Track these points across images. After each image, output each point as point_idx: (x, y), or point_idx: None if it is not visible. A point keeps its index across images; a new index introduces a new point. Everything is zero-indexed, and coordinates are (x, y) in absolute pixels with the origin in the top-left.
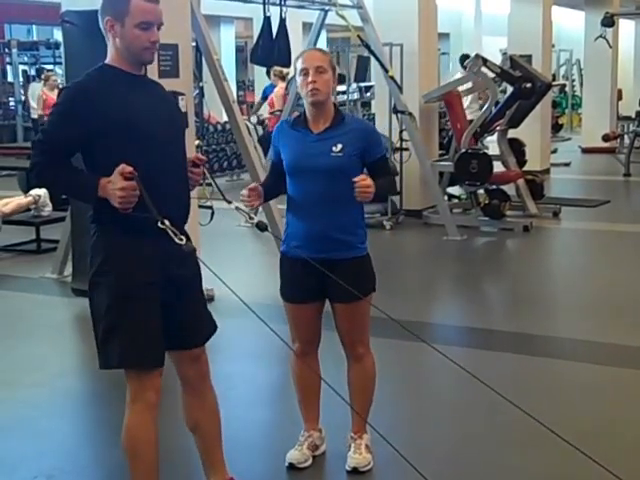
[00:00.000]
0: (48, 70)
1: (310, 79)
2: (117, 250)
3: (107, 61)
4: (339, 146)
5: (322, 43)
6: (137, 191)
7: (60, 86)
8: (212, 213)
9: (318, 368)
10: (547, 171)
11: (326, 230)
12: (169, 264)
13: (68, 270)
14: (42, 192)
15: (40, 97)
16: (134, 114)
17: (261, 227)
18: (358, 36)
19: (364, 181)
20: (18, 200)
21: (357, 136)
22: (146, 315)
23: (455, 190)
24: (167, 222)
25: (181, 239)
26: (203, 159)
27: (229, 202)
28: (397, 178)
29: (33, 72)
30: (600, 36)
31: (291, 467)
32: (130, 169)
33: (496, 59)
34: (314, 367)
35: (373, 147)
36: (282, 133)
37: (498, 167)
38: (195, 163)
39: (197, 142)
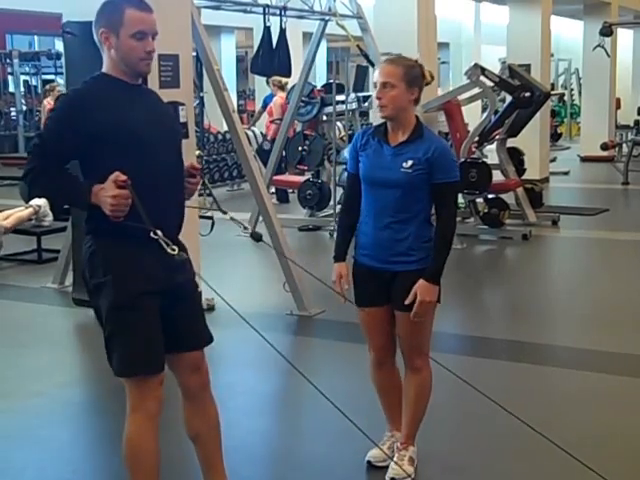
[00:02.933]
0: (52, 81)
1: (375, 94)
2: (116, 263)
3: (104, 70)
4: (409, 162)
5: (322, 52)
6: (130, 200)
7: None
8: (212, 224)
9: (396, 377)
10: (546, 180)
11: (392, 242)
12: (173, 272)
13: (69, 280)
14: (42, 202)
15: (44, 107)
16: (130, 122)
17: (255, 237)
18: (357, 46)
19: (417, 309)
20: (19, 213)
21: (429, 155)
22: (144, 324)
23: None
24: (159, 232)
25: (173, 249)
26: (198, 167)
27: (224, 212)
28: None
29: (34, 82)
30: (598, 45)
31: (369, 465)
32: (124, 177)
33: (495, 68)
34: (392, 377)
35: (440, 170)
36: (365, 141)
37: (497, 176)
38: (191, 173)
39: (198, 152)
